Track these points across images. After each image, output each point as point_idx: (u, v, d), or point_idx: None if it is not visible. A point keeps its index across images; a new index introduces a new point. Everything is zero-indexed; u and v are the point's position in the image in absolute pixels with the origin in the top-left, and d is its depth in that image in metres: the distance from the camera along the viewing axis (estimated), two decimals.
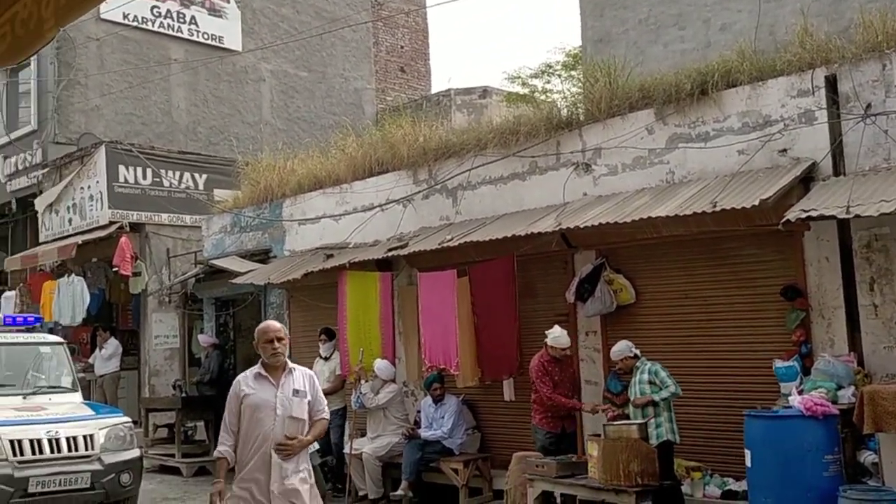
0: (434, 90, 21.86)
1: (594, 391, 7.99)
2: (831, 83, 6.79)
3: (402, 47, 22.69)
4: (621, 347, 7.08)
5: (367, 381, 9.12)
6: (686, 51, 10.68)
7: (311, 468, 5.04)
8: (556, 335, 7.59)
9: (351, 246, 10.37)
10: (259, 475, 4.78)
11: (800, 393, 5.93)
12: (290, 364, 5.04)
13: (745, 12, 10.38)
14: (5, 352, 9.09)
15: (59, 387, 9.07)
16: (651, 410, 6.74)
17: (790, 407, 5.81)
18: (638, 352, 7.05)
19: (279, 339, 4.92)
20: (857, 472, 5.99)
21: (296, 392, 4.89)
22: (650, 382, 6.78)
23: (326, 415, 5.12)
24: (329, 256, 10.00)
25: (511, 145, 8.89)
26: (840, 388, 6.04)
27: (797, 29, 7.52)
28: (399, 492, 8.53)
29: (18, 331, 9.53)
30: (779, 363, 6.52)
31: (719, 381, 7.20)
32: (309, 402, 4.95)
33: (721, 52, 8.45)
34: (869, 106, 6.56)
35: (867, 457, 5.92)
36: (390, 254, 8.99)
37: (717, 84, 7.42)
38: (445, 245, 8.23)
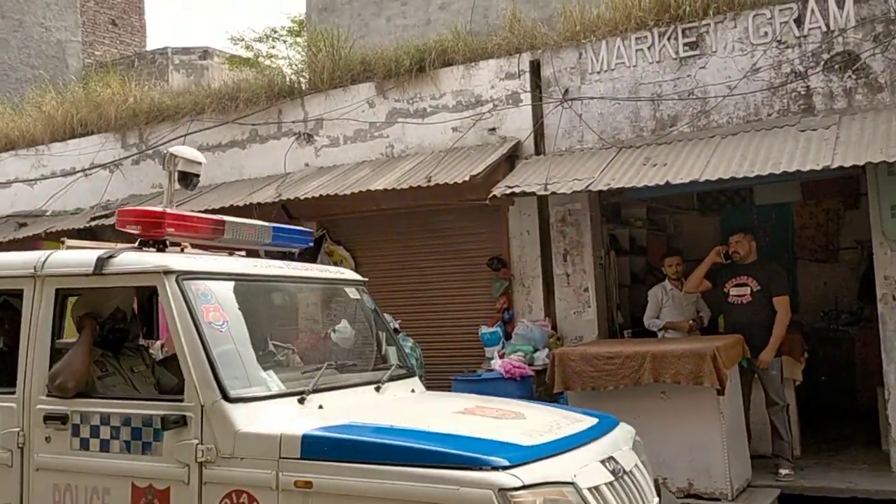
0: (149, 47, 20.32)
1: None
2: (535, 68, 7.28)
3: None
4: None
5: None
6: (408, 26, 10.89)
7: None
8: None
9: (48, 214, 9.38)
10: None
11: (501, 357, 6.36)
12: None
13: None
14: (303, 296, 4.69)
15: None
16: None
17: (492, 370, 6.21)
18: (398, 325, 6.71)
19: None
20: None
21: None
22: None
23: None
24: (22, 225, 8.98)
25: (230, 111, 8.54)
26: (536, 350, 6.57)
27: (507, 14, 7.97)
28: None
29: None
30: (484, 329, 6.94)
31: (435, 346, 7.51)
32: None
33: (439, 30, 8.74)
34: (566, 91, 7.14)
35: None
36: (94, 223, 8.25)
37: (434, 62, 7.66)
38: None
